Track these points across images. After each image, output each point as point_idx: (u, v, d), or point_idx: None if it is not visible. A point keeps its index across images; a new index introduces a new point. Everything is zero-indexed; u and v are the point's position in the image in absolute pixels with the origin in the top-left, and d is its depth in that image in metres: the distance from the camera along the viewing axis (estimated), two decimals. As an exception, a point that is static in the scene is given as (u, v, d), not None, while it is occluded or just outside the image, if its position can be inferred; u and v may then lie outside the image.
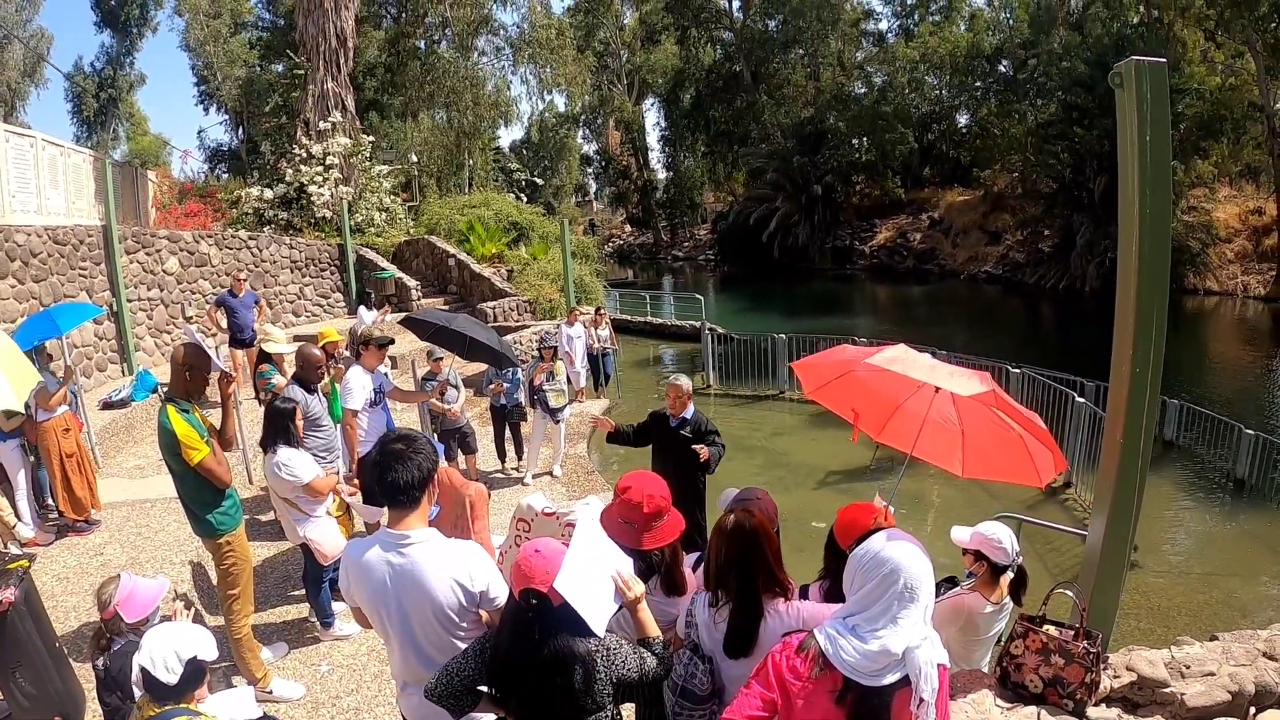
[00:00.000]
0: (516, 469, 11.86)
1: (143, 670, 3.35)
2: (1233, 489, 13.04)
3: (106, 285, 14.09)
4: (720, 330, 21.33)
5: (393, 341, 8.68)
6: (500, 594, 3.32)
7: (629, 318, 28.12)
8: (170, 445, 5.21)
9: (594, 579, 3.11)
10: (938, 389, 4.42)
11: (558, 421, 11.50)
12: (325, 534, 6.40)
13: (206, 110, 58.10)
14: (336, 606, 6.84)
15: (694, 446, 7.38)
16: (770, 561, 3.30)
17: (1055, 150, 38.30)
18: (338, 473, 7.35)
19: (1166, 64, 3.33)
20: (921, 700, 2.59)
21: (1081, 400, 12.72)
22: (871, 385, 4.85)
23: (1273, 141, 33.48)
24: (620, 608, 3.21)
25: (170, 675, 3.34)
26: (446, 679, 3.07)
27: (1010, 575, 4.52)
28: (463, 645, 3.28)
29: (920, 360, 4.31)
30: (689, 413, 7.72)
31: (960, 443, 4.68)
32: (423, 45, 40.09)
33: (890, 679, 2.60)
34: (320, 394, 7.66)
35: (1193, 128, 33.96)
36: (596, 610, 3.03)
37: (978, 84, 48.81)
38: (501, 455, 11.94)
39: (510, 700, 3.08)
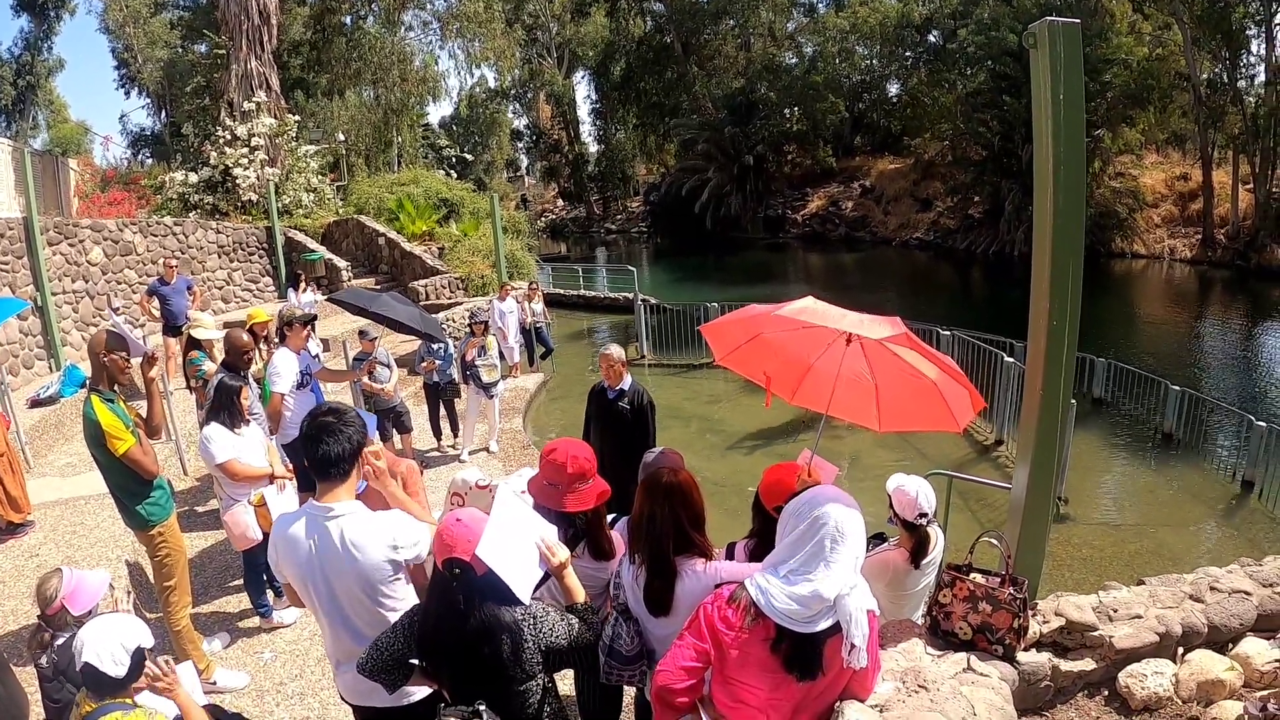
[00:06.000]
0: (453, 446, 11.83)
1: (88, 666, 3.34)
2: (1161, 443, 13.48)
3: (29, 279, 13.66)
4: (653, 301, 21.39)
5: (315, 318, 8.61)
6: (427, 554, 3.34)
7: (562, 291, 27.95)
8: (95, 436, 5.15)
9: (517, 546, 3.13)
10: (849, 341, 4.45)
11: (491, 397, 11.48)
12: (238, 520, 6.33)
13: (128, 94, 56.28)
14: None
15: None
16: (683, 520, 3.36)
17: (985, 118, 38.85)
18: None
19: (1080, 25, 3.41)
20: (853, 646, 2.68)
21: (1010, 360, 12.96)
22: (781, 347, 4.83)
23: (1198, 110, 34.25)
24: (546, 574, 3.24)
25: (119, 668, 3.35)
26: (377, 653, 3.09)
27: (927, 534, 4.53)
28: (391, 618, 3.30)
29: (829, 309, 4.32)
30: (626, 383, 7.73)
31: (875, 397, 4.68)
32: (348, 21, 39.39)
33: (822, 626, 2.68)
34: (251, 379, 7.59)
35: (1120, 97, 34.69)
36: (521, 577, 3.06)
37: (908, 54, 49.16)
38: (437, 433, 11.89)
39: (441, 672, 3.12)
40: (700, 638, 2.81)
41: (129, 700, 3.42)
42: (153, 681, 3.49)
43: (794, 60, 55.20)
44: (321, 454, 3.29)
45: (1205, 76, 35.13)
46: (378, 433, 7.79)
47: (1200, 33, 33.47)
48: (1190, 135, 38.41)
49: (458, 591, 2.98)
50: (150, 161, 46.65)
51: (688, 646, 2.82)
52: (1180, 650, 3.81)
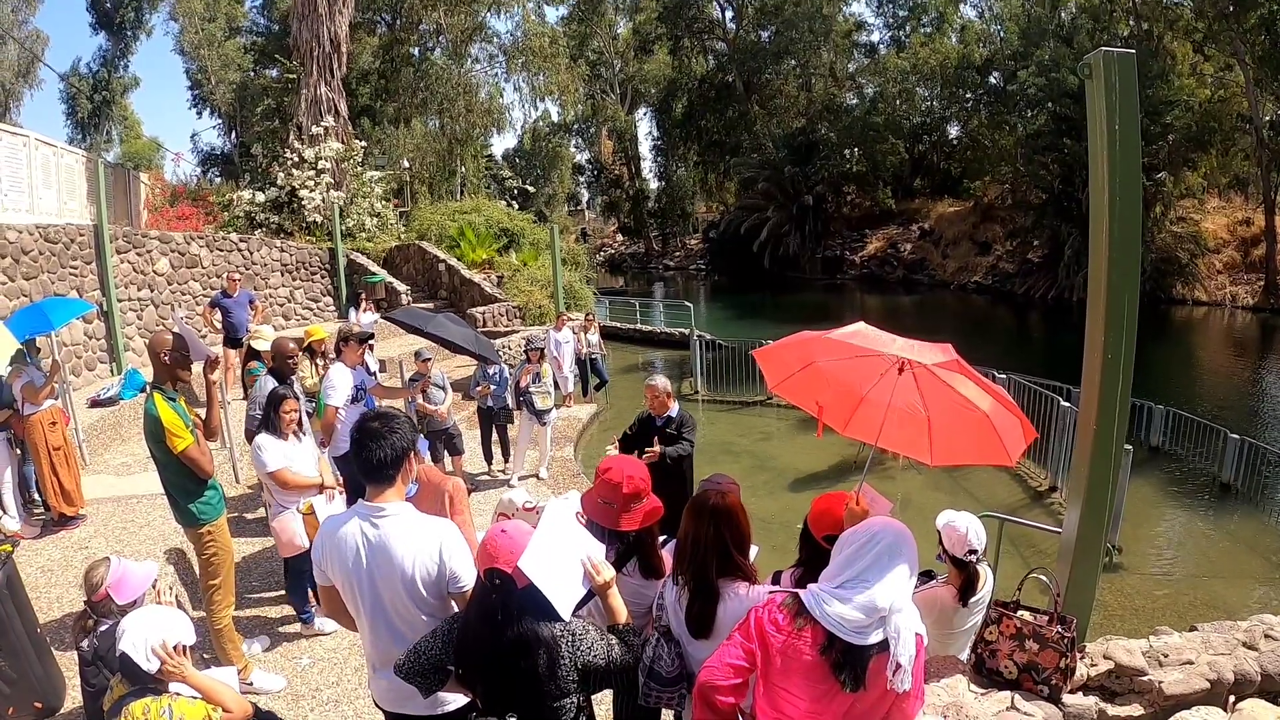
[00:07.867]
0: (503, 471, 11.88)
1: (124, 655, 3.40)
2: (1218, 493, 13.11)
3: (97, 284, 14.03)
4: (709, 337, 21.35)
5: (373, 336, 8.75)
6: (467, 579, 3.32)
7: (619, 325, 28.06)
8: (155, 432, 5.24)
9: (561, 562, 3.11)
10: (901, 371, 4.40)
11: (544, 424, 11.49)
12: (286, 527, 6.46)
13: (200, 114, 57.71)
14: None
15: (647, 449, 7.46)
16: (729, 542, 3.34)
17: (1045, 161, 38.34)
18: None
19: (1135, 55, 3.38)
20: (898, 665, 2.66)
21: (1067, 404, 12.70)
22: (834, 376, 4.75)
23: (1261, 153, 33.45)
24: (589, 592, 3.22)
25: (151, 663, 3.40)
26: (415, 656, 3.10)
27: (976, 571, 4.42)
28: (431, 624, 3.29)
29: (881, 334, 4.28)
30: (673, 411, 7.86)
31: (927, 430, 4.62)
32: (416, 52, 40.24)
33: (871, 639, 2.67)
34: (301, 388, 7.72)
35: (1182, 139, 33.97)
36: (563, 593, 3.03)
37: (968, 95, 48.55)
38: (488, 457, 11.97)
39: (476, 681, 3.11)
40: (749, 638, 2.81)
41: (159, 688, 3.49)
42: (161, 666, 3.53)
43: (854, 101, 54.98)
44: (367, 458, 3.33)
45: (1268, 118, 34.21)
46: (429, 454, 7.86)
47: (1262, 73, 32.68)
48: (1253, 179, 37.51)
49: (497, 602, 2.98)
50: (219, 180, 47.66)
51: (735, 645, 2.82)
52: (1231, 699, 3.71)
